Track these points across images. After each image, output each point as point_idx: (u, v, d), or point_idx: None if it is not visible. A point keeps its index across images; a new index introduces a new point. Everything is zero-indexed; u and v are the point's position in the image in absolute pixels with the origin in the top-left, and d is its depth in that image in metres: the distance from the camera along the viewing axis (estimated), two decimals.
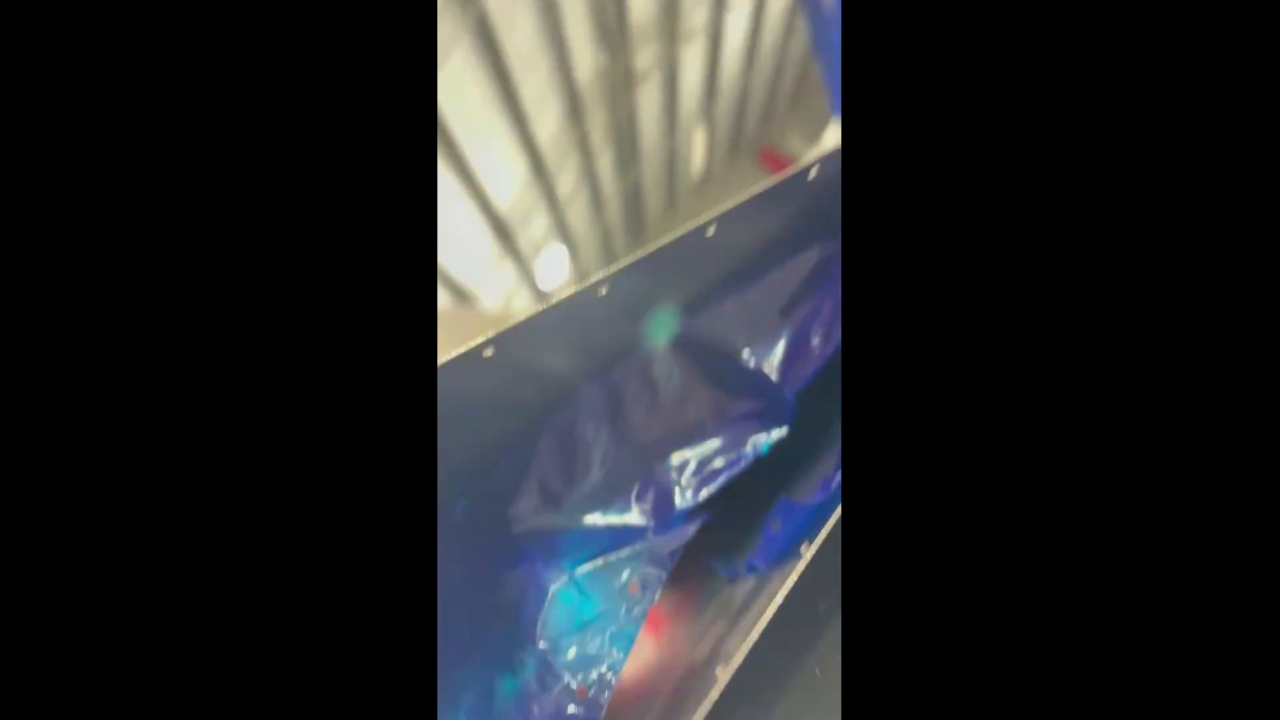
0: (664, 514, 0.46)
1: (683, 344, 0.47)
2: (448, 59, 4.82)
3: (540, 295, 8.13)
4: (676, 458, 0.47)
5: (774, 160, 9.91)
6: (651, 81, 6.89)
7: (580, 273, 8.65)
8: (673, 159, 8.95)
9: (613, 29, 5.99)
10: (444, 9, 4.55)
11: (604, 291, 0.42)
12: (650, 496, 0.46)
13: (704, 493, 0.46)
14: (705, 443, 0.46)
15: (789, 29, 8.34)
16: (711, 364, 0.47)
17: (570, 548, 0.47)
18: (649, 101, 7.35)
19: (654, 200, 9.57)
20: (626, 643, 0.44)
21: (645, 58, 6.62)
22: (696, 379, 0.46)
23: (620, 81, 6.59)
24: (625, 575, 0.45)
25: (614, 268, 0.41)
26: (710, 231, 0.43)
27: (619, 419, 0.46)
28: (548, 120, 6.24)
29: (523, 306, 7.72)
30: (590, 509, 0.46)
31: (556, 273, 8.09)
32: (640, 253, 0.43)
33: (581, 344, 0.45)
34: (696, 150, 9.29)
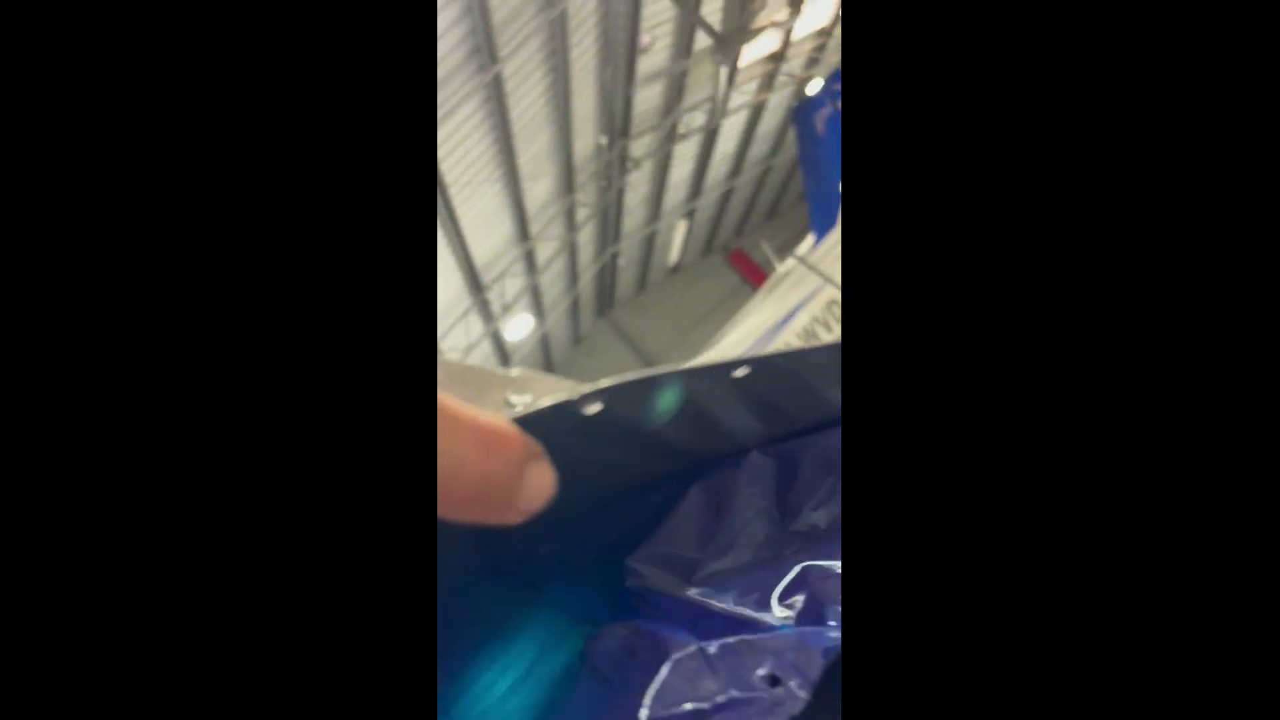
0: (810, 621, 0.37)
1: None
2: (456, 113, 4.99)
3: (505, 350, 8.17)
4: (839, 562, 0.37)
5: (744, 263, 10.27)
6: (644, 169, 7.16)
7: (543, 338, 8.74)
8: (651, 244, 9.22)
9: (616, 114, 6.25)
10: (460, 66, 4.73)
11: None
12: (800, 599, 0.38)
13: None
14: None
15: (779, 143, 8.78)
16: None
17: (690, 618, 0.39)
18: (637, 187, 7.63)
19: (625, 281, 9.80)
20: None
21: (641, 146, 6.90)
22: None
23: (615, 163, 6.84)
24: (765, 666, 0.36)
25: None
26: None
27: (785, 499, 0.41)
28: (539, 186, 6.43)
29: (481, 359, 7.74)
30: (722, 590, 0.39)
31: (520, 333, 8.17)
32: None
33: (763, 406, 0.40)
34: (675, 240, 9.59)
